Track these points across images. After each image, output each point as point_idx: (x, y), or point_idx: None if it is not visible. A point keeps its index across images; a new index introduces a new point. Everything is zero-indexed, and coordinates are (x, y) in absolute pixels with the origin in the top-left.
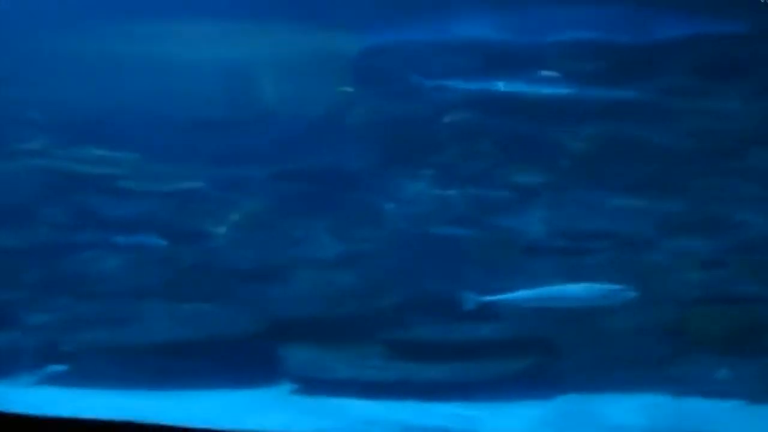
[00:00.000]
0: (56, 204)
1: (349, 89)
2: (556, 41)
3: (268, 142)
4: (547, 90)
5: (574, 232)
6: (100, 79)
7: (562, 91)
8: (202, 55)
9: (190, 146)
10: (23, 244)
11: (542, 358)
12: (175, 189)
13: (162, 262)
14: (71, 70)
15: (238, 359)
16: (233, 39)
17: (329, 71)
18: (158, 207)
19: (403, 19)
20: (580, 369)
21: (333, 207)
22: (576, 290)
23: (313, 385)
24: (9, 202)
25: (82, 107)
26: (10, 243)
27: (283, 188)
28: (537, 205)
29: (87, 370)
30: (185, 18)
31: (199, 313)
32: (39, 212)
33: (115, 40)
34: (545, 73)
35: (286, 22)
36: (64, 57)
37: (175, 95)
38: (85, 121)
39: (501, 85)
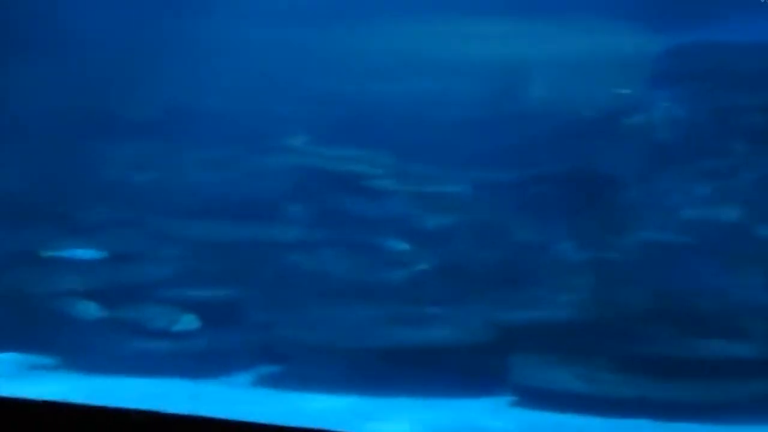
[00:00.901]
0: (302, 201)
1: (628, 91)
2: None
3: (528, 144)
4: None
5: None
6: (362, 78)
7: None
8: (468, 55)
9: (447, 147)
10: (262, 239)
11: None
12: (425, 191)
13: (397, 265)
14: (333, 68)
15: (460, 366)
16: (506, 38)
17: (616, 71)
18: (405, 208)
19: (712, 18)
20: None
21: (584, 210)
22: None
23: (536, 396)
24: (257, 197)
25: (342, 105)
26: (246, 237)
27: (535, 190)
28: None
29: (303, 372)
30: (454, 17)
31: (428, 317)
32: (284, 208)
33: (387, 39)
34: None
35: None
36: (326, 54)
37: (437, 95)
38: (344, 119)
39: None
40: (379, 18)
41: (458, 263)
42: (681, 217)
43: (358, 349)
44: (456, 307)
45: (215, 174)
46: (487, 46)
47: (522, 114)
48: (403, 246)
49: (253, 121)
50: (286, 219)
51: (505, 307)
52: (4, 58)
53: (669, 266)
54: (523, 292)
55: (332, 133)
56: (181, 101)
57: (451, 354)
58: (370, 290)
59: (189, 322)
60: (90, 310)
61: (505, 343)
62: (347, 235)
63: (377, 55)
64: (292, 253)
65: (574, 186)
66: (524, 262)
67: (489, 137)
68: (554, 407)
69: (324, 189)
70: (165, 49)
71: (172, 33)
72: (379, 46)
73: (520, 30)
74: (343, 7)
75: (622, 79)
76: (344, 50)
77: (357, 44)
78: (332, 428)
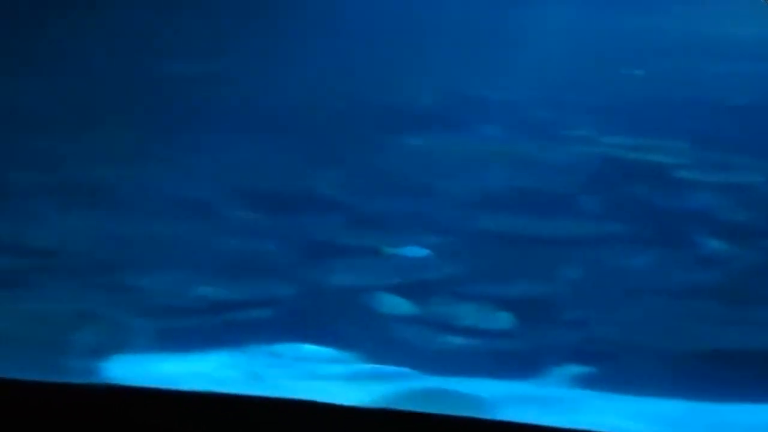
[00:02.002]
0: (598, 193)
1: None
2: None
3: None
4: None
5: None
6: (643, 60)
7: None
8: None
9: (744, 133)
10: (560, 233)
11: None
12: (729, 181)
13: (712, 262)
14: (612, 50)
15: None
16: None
17: None
18: (712, 201)
19: None
20: None
21: None
22: None
23: None
24: (546, 189)
25: (625, 94)
26: (542, 231)
27: None
28: None
29: (621, 373)
30: None
31: (754, 320)
32: (579, 201)
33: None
34: None
35: None
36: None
37: (731, 78)
38: (629, 106)
39: None
40: None
41: None
42: None
43: (680, 351)
44: None
45: (501, 166)
46: None
47: None
48: (715, 242)
49: (536, 110)
50: (583, 212)
51: None
52: (291, 47)
53: None
54: None
55: (619, 122)
56: (461, 90)
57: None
58: (684, 288)
59: (501, 319)
60: (397, 305)
61: None
62: (651, 229)
63: (656, 34)
64: (594, 249)
65: None
66: None
67: None
68: None
69: (620, 181)
70: (445, 35)
71: (458, 19)
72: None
73: None
74: None
75: None
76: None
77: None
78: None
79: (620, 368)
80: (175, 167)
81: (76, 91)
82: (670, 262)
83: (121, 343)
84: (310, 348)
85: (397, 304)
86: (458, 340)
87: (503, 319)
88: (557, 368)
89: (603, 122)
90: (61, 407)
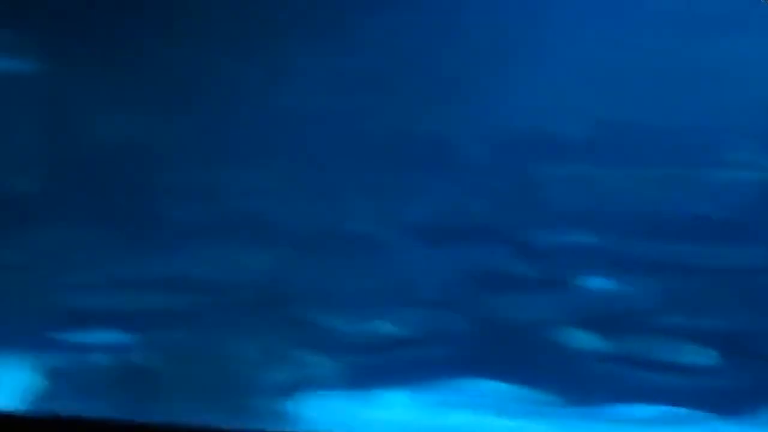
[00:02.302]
0: None
1: None
2: None
3: None
4: None
5: None
6: None
7: None
8: None
9: None
10: (737, 262)
11: None
12: None
13: None
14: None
15: None
16: None
17: None
18: None
19: None
20: None
21: None
22: None
23: None
24: (711, 216)
25: None
26: (732, 262)
27: None
28: None
29: None
30: None
31: None
32: (750, 228)
33: None
34: None
35: None
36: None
37: None
38: None
39: None
40: None
41: None
42: None
43: None
44: None
45: (665, 193)
46: None
47: None
48: None
49: (690, 134)
50: (757, 239)
51: None
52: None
53: None
54: None
55: None
56: (610, 115)
57: None
58: None
59: (703, 354)
60: (585, 340)
61: None
62: None
63: None
64: None
65: None
66: None
67: None
68: None
69: None
70: (594, 58)
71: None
72: None
73: None
74: None
75: None
76: None
77: None
78: None
79: None
80: (334, 200)
81: (230, 125)
82: None
83: (309, 383)
84: (495, 385)
85: (586, 339)
86: (658, 377)
87: (706, 354)
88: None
89: (759, 144)
90: None
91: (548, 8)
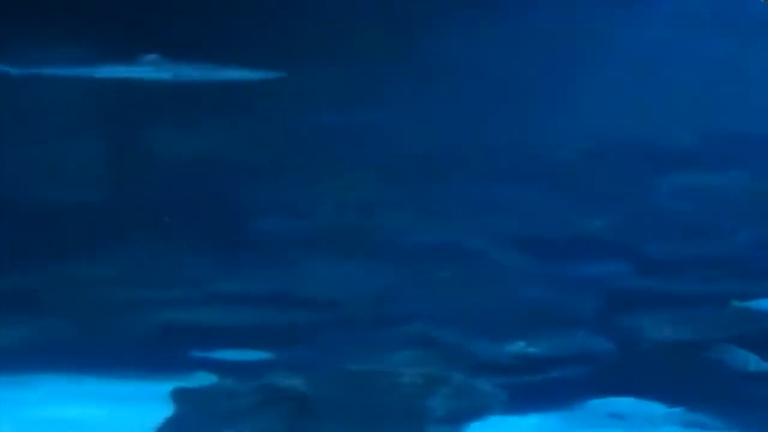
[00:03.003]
0: None
1: None
2: None
3: None
4: None
5: None
6: None
7: None
8: None
9: None
10: None
11: None
12: None
13: None
14: None
15: None
16: None
17: None
18: None
19: None
20: None
21: None
22: None
23: None
24: None
25: None
26: None
27: None
28: None
29: None
30: None
31: None
32: None
33: None
34: None
35: None
36: None
37: None
38: None
39: None
40: None
41: None
42: None
43: None
44: None
45: None
46: None
47: None
48: None
49: None
50: None
51: None
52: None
53: None
54: None
55: None
56: (718, 126)
57: None
58: None
59: None
60: (748, 360)
61: None
62: None
63: None
64: None
65: None
66: None
67: None
68: None
69: None
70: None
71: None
72: None
73: None
74: None
75: None
76: None
77: None
78: None
79: None
80: (430, 214)
81: (307, 139)
82: None
83: (473, 407)
84: (648, 405)
85: (746, 359)
86: None
87: None
88: None
89: None
90: None
91: (651, 22)
